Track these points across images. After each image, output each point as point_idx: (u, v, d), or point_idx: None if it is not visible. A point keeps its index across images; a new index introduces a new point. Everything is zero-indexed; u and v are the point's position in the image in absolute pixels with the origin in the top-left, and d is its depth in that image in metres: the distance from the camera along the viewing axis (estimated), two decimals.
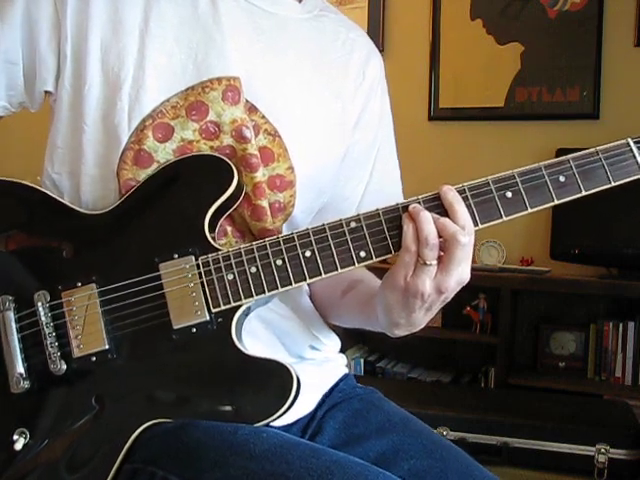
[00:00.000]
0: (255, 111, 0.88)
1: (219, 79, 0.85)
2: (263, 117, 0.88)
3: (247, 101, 0.87)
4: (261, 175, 0.87)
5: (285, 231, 0.92)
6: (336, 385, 1.00)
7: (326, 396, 0.98)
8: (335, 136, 0.96)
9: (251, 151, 0.86)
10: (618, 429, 2.02)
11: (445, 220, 0.76)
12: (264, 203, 0.87)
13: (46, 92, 0.88)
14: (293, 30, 0.94)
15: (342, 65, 0.98)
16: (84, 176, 0.86)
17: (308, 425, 0.93)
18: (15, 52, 0.85)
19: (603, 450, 1.95)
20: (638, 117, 2.69)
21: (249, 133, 0.86)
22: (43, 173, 0.90)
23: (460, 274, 0.76)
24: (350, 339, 2.84)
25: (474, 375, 2.82)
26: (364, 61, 1.01)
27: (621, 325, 2.60)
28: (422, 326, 0.83)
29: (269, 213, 0.88)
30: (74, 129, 0.86)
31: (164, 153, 0.84)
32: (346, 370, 1.05)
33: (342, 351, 1.07)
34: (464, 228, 0.75)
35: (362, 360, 2.86)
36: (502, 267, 2.69)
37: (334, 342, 1.05)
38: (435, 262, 0.75)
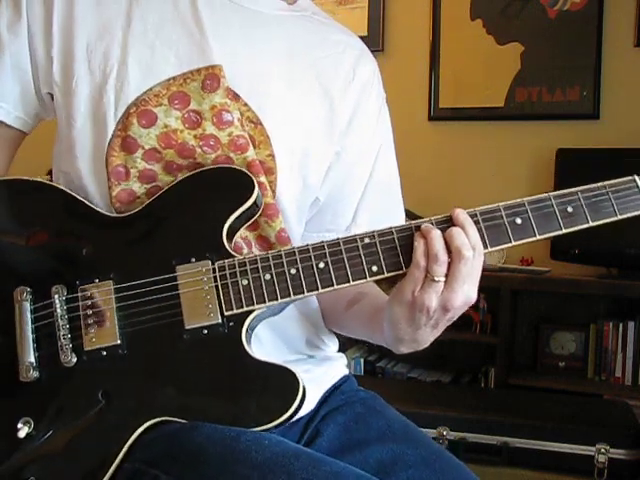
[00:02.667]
0: (237, 99, 0.90)
1: (199, 70, 0.88)
2: (245, 105, 0.90)
3: (230, 89, 0.89)
4: (252, 154, 0.89)
5: None
6: (337, 386, 1.01)
7: (327, 397, 0.98)
8: (321, 131, 0.96)
9: (237, 133, 0.88)
10: (618, 429, 2.02)
11: (453, 231, 0.78)
12: (262, 179, 0.89)
13: (48, 94, 0.92)
14: (276, 25, 0.95)
15: (331, 64, 0.99)
16: (76, 170, 0.89)
17: (308, 425, 0.93)
18: (24, 59, 0.90)
19: (603, 450, 1.95)
20: (638, 117, 2.70)
21: (230, 116, 0.88)
22: (53, 170, 0.94)
23: (466, 293, 0.78)
24: (350, 339, 2.83)
25: (474, 375, 2.82)
26: (355, 61, 1.01)
27: (621, 325, 2.60)
28: (426, 345, 0.85)
29: (269, 188, 0.90)
30: (66, 126, 0.89)
31: (147, 138, 0.87)
32: (346, 371, 1.06)
33: (342, 351, 1.08)
34: (474, 248, 0.78)
35: (362, 360, 2.86)
36: (502, 267, 2.70)
37: (334, 343, 1.06)
38: (443, 279, 0.77)
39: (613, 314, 2.66)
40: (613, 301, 2.69)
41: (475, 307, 2.72)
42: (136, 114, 0.87)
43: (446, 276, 0.78)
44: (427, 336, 0.82)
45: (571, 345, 2.70)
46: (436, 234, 0.78)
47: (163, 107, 0.87)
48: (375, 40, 2.97)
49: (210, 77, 0.88)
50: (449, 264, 0.77)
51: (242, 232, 0.90)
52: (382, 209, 1.03)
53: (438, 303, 0.78)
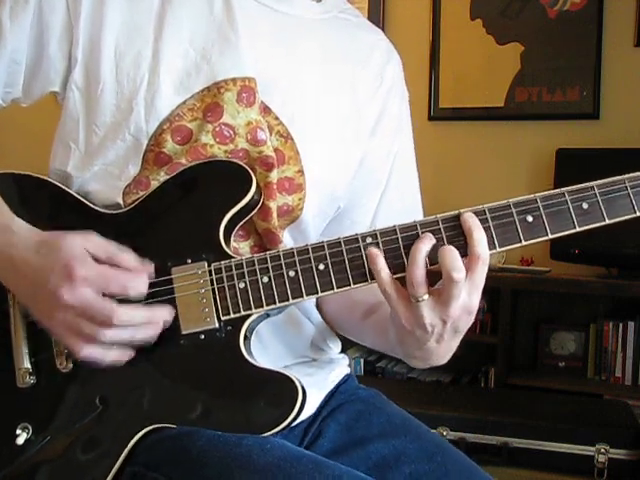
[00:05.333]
0: (269, 112, 0.87)
1: (234, 80, 0.84)
2: (276, 119, 0.87)
3: (261, 102, 0.86)
4: (274, 176, 0.86)
5: (288, 236, 0.92)
6: (338, 386, 1.00)
7: (328, 397, 0.97)
8: (349, 140, 0.95)
9: (267, 152, 0.85)
10: (618, 429, 2.02)
11: (445, 251, 0.73)
12: (271, 204, 0.86)
13: (52, 92, 0.88)
14: (309, 31, 0.92)
15: (360, 68, 0.97)
16: (88, 174, 0.86)
17: (310, 427, 0.93)
18: (21, 52, 0.85)
19: (603, 450, 1.95)
20: (638, 117, 2.70)
21: (264, 135, 0.85)
22: (49, 168, 0.90)
23: (463, 304, 0.73)
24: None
25: (474, 375, 2.81)
26: (382, 65, 0.99)
27: (621, 325, 2.60)
28: (443, 360, 0.80)
29: (274, 215, 0.87)
30: (84, 130, 0.86)
31: (181, 155, 0.84)
32: (348, 370, 1.05)
33: (342, 351, 1.07)
34: (479, 258, 0.73)
35: (362, 360, 2.86)
36: (502, 267, 2.69)
37: (336, 345, 1.05)
38: (426, 297, 0.73)
39: (613, 314, 2.66)
40: (613, 301, 2.69)
41: None
42: (170, 130, 0.83)
43: (437, 292, 0.73)
44: (436, 350, 0.78)
45: (571, 345, 2.70)
46: (416, 259, 0.73)
47: (198, 121, 0.84)
48: None
49: (246, 90, 0.84)
50: (442, 282, 0.72)
51: (251, 241, 0.89)
52: (401, 213, 0.98)
53: (434, 317, 0.74)
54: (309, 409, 0.92)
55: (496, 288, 2.58)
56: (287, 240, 0.92)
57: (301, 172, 0.89)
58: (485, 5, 2.91)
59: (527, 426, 2.03)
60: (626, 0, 2.73)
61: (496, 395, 2.48)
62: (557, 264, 2.67)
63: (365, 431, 0.91)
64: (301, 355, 0.97)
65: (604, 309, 2.70)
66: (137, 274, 0.77)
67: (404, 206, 1.01)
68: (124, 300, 0.76)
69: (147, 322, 0.77)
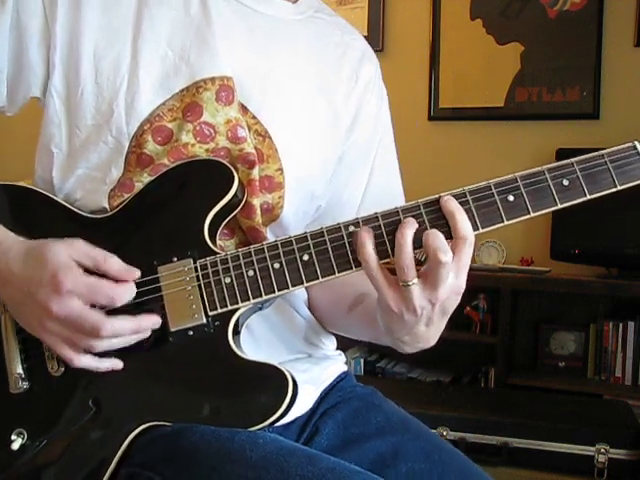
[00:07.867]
0: (246, 111, 0.88)
1: (212, 79, 0.85)
2: (254, 117, 0.88)
3: (238, 101, 0.87)
4: (256, 173, 0.87)
5: (270, 234, 0.92)
6: (335, 384, 1.00)
7: (325, 394, 0.98)
8: (326, 138, 0.96)
9: (248, 150, 0.86)
10: (618, 429, 2.02)
11: (430, 235, 0.73)
12: (255, 201, 0.87)
13: (33, 98, 0.88)
14: (285, 31, 0.93)
15: (335, 67, 0.98)
16: (75, 178, 0.86)
17: (306, 424, 0.93)
18: (1, 59, 0.85)
19: (603, 450, 1.95)
20: (638, 117, 2.70)
21: (244, 132, 0.86)
22: (34, 176, 0.90)
23: (451, 285, 0.74)
24: (350, 339, 2.84)
25: (474, 375, 2.82)
26: (357, 64, 1.00)
27: (621, 325, 2.61)
28: (432, 342, 0.81)
29: (258, 212, 0.88)
30: (66, 134, 0.86)
31: (162, 155, 0.85)
32: (345, 368, 1.05)
33: (343, 351, 1.07)
34: (465, 239, 0.73)
35: (362, 360, 2.86)
36: (502, 267, 2.70)
37: (331, 341, 1.06)
38: (416, 280, 0.73)
39: (613, 314, 2.66)
40: (613, 301, 2.69)
41: (475, 307, 2.72)
42: (150, 130, 0.84)
43: (424, 275, 0.73)
44: (425, 334, 0.79)
45: (571, 345, 2.70)
46: (404, 241, 0.73)
47: (178, 121, 0.85)
48: (375, 40, 2.96)
49: (225, 88, 0.85)
50: (428, 265, 0.73)
51: (236, 239, 0.90)
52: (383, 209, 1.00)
53: (422, 300, 0.74)
54: (304, 405, 0.93)
55: (496, 288, 2.58)
56: (270, 238, 0.92)
57: (280, 170, 0.89)
58: (485, 5, 2.91)
59: (527, 426, 2.03)
60: (626, 0, 2.73)
61: (496, 395, 2.49)
62: (557, 264, 2.67)
63: (362, 429, 0.91)
64: (295, 351, 0.98)
65: (604, 309, 2.70)
66: (123, 283, 0.77)
67: (387, 203, 1.02)
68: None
69: (135, 332, 0.78)
